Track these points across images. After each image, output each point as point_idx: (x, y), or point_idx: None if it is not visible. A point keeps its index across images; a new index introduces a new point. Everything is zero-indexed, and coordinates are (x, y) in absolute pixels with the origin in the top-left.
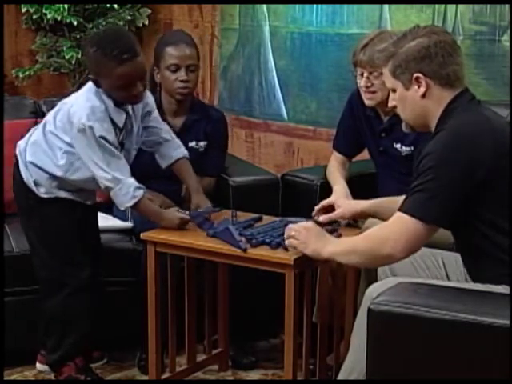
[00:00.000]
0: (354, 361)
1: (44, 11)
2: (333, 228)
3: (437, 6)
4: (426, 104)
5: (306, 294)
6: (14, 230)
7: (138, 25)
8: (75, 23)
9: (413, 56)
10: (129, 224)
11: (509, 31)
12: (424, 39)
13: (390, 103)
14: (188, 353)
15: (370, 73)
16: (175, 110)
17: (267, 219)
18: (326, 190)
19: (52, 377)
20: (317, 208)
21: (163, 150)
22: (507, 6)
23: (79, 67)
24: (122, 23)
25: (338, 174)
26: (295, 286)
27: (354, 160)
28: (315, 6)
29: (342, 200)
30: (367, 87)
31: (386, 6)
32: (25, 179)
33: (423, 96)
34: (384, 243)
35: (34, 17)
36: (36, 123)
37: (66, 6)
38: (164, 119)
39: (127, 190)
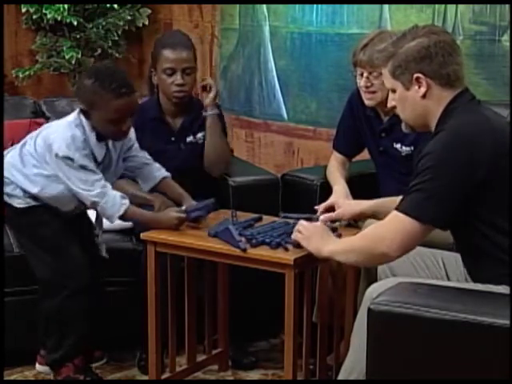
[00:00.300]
0: (354, 361)
1: (44, 11)
2: (333, 228)
3: (437, 6)
4: (427, 104)
5: (306, 294)
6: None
7: (138, 25)
8: (75, 23)
9: (413, 56)
10: (129, 224)
11: (509, 31)
12: (423, 39)
13: (390, 103)
14: (188, 353)
15: (370, 73)
16: (174, 111)
17: (267, 219)
18: (326, 189)
19: (51, 377)
20: (320, 209)
21: (145, 172)
22: (507, 6)
23: (79, 67)
24: (121, 23)
25: (338, 174)
26: (295, 285)
27: (354, 160)
28: (315, 6)
29: (342, 200)
30: (367, 87)
31: (386, 6)
32: None
33: (423, 96)
34: (380, 242)
35: (34, 17)
36: (35, 123)
37: (65, 6)
38: (163, 119)
39: (113, 201)
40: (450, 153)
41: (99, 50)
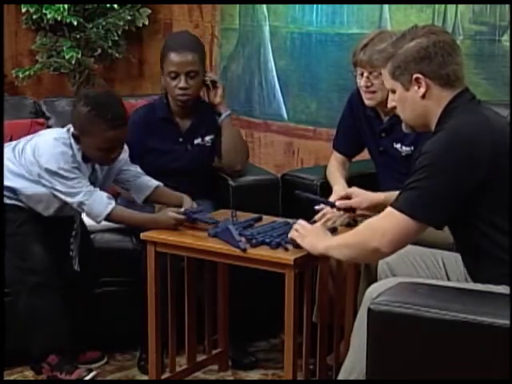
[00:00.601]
0: (354, 361)
1: (44, 11)
2: (333, 228)
3: (437, 6)
4: (426, 104)
5: (306, 294)
6: None
7: (138, 25)
8: (75, 23)
9: (412, 57)
10: None
11: (509, 31)
12: (423, 39)
13: (390, 104)
14: (188, 353)
15: (370, 73)
16: (182, 112)
17: (267, 219)
18: (326, 189)
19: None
20: (335, 198)
21: (137, 184)
22: (507, 6)
23: (79, 67)
24: (121, 23)
25: (338, 174)
26: (295, 285)
27: (354, 160)
28: (315, 6)
29: (359, 190)
30: (367, 87)
31: (386, 6)
32: None
33: (423, 96)
34: (372, 237)
35: (34, 17)
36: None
37: (65, 6)
38: (172, 120)
39: (100, 199)
40: (449, 152)
41: (99, 50)
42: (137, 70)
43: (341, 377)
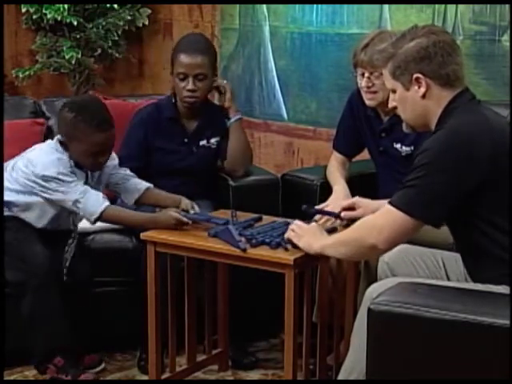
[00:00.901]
0: (354, 361)
1: (44, 11)
2: (333, 228)
3: (437, 6)
4: (426, 104)
5: (306, 294)
6: None
7: (138, 25)
8: (75, 23)
9: (412, 57)
10: None
11: (509, 31)
12: (423, 39)
13: (390, 104)
14: (188, 353)
15: (371, 73)
16: (188, 114)
17: (267, 219)
18: (326, 189)
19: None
20: (340, 209)
21: (127, 186)
22: (507, 6)
23: (79, 67)
24: (121, 23)
25: (338, 174)
26: (295, 285)
27: (354, 160)
28: (315, 5)
29: (363, 200)
30: (368, 87)
31: (386, 6)
32: None
33: (423, 96)
34: (369, 234)
35: (34, 17)
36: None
37: (65, 6)
38: (178, 120)
39: (96, 197)
40: (448, 151)
41: (99, 50)
42: (137, 70)
43: (341, 377)
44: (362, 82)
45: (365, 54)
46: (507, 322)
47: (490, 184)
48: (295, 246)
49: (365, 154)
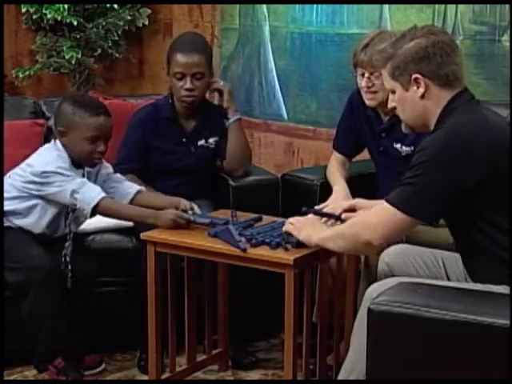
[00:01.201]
0: (354, 361)
1: (44, 11)
2: (333, 224)
3: (437, 6)
4: (426, 104)
5: (306, 294)
6: None
7: (138, 25)
8: (75, 23)
9: (411, 57)
10: (129, 224)
11: (509, 31)
12: (422, 40)
13: (390, 104)
14: (188, 353)
15: (371, 73)
16: (186, 113)
17: (267, 219)
18: (326, 189)
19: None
20: (341, 210)
21: (119, 190)
22: (507, 6)
23: (79, 67)
24: (121, 23)
25: (338, 174)
26: (295, 285)
27: (354, 160)
28: (315, 5)
29: (363, 202)
30: (368, 87)
31: (386, 6)
32: None
33: (422, 97)
34: (364, 230)
35: (34, 17)
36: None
37: (65, 6)
38: (176, 120)
39: (93, 188)
40: (446, 150)
41: (99, 50)
42: (137, 70)
43: (341, 377)
44: (362, 82)
45: (365, 54)
46: (507, 322)
47: (490, 183)
48: (298, 245)
49: (365, 154)
